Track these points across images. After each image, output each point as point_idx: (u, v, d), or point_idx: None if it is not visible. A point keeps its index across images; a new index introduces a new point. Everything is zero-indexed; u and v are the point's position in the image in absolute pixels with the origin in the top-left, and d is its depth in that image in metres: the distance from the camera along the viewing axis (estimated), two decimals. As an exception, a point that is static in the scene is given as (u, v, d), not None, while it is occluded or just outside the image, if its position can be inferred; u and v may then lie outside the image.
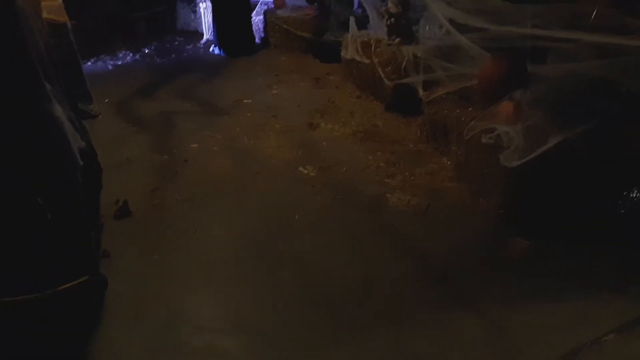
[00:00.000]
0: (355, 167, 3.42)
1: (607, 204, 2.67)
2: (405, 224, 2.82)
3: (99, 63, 5.91)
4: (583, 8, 2.91)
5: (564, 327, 2.09)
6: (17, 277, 1.94)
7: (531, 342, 2.03)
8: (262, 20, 6.44)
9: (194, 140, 3.88)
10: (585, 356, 1.95)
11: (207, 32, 6.64)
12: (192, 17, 7.09)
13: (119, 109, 4.62)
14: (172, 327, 2.20)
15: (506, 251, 2.57)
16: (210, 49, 6.29)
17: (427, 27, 4.02)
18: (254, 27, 6.32)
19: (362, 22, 4.74)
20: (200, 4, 6.81)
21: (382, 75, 4.15)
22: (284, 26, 5.99)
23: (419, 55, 3.84)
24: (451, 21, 3.45)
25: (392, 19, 4.20)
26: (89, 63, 5.75)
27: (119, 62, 5.97)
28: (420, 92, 3.73)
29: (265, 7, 6.50)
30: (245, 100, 4.63)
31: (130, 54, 6.15)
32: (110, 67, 5.87)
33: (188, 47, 6.47)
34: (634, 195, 2.64)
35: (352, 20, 4.72)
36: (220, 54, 6.16)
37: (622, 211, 2.65)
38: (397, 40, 4.17)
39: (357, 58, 4.53)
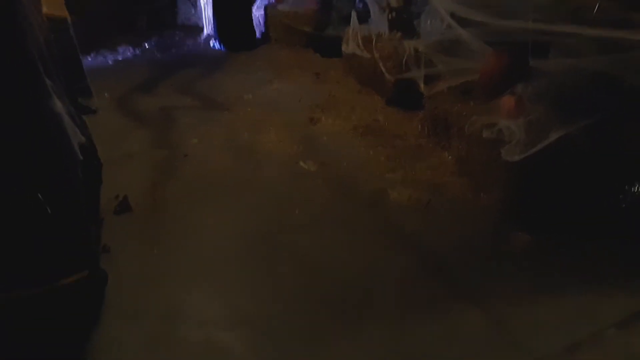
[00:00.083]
0: (356, 161, 3.41)
1: (609, 199, 2.66)
2: (406, 219, 2.82)
3: (99, 58, 5.88)
4: (585, 2, 2.90)
5: (565, 321, 2.09)
6: (16, 272, 1.94)
7: (532, 336, 2.04)
8: (263, 14, 6.41)
9: (194, 135, 3.88)
10: (585, 350, 1.95)
11: (208, 26, 6.61)
12: (193, 11, 7.05)
13: (119, 104, 4.60)
14: (172, 322, 2.20)
15: (507, 245, 2.57)
16: (211, 44, 6.27)
17: (429, 22, 3.99)
18: (255, 22, 6.29)
19: (364, 17, 4.72)
20: (201, -1, 6.79)
21: (384, 69, 4.14)
22: (285, 21, 5.96)
23: (420, 49, 3.82)
24: (453, 15, 3.43)
25: (394, 13, 4.18)
26: (89, 58, 5.73)
27: (119, 57, 5.95)
28: (422, 86, 3.72)
29: (266, 2, 6.47)
30: (245, 95, 4.61)
31: (131, 49, 6.12)
32: (110, 62, 5.85)
33: (188, 41, 6.45)
34: (636, 189, 2.63)
35: (353, 14, 4.69)
36: (220, 49, 6.13)
37: (624, 205, 2.64)
38: (399, 34, 4.15)
39: (358, 52, 4.51)
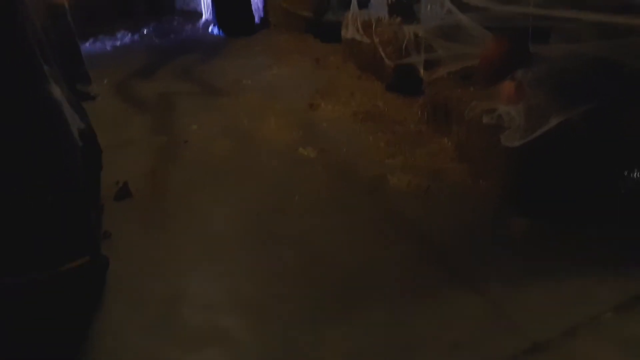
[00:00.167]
0: (356, 147, 3.41)
1: (608, 184, 2.67)
2: (406, 205, 2.83)
3: (98, 44, 5.85)
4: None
5: (563, 305, 2.11)
6: (17, 258, 1.96)
7: (530, 320, 2.05)
8: (262, -1, 6.37)
9: (194, 121, 3.87)
10: (583, 334, 1.97)
11: (206, 12, 6.57)
12: (191, -4, 7.00)
13: (117, 90, 4.59)
14: (174, 307, 2.22)
15: (506, 231, 2.57)
16: (210, 29, 6.23)
17: (429, 7, 3.97)
18: (254, 7, 6.24)
19: (363, 1, 4.69)
20: (199, -16, 6.73)
21: (383, 55, 4.12)
22: (284, 5, 5.92)
23: (420, 34, 3.80)
24: (453, 0, 3.41)
25: (394, -2, 4.15)
26: (87, 44, 5.70)
27: (118, 43, 5.92)
28: (422, 72, 3.70)
29: (265, -13, 6.42)
30: (244, 81, 4.60)
31: (129, 35, 6.08)
32: (108, 47, 5.82)
33: (187, 27, 6.41)
34: (635, 175, 2.64)
35: (353, -1, 4.66)
36: (219, 34, 6.09)
37: (623, 191, 2.65)
38: (399, 19, 4.13)
39: (358, 38, 4.48)
